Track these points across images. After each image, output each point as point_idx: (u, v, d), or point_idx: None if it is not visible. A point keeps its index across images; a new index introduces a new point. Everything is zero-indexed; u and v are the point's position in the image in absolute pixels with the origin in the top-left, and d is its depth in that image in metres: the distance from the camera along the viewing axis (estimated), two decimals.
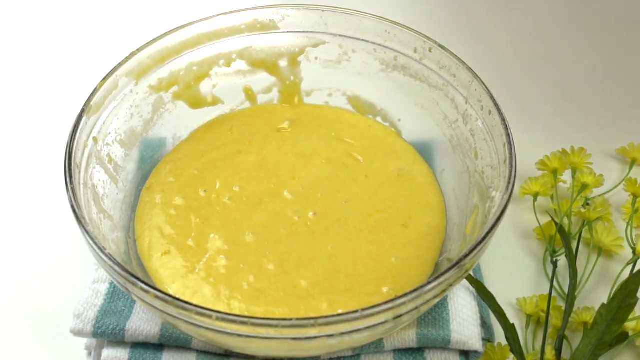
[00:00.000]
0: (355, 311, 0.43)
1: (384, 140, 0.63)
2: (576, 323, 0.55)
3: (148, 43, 0.59)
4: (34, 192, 0.66)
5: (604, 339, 0.50)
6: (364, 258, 0.55)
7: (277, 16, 0.62)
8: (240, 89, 0.65)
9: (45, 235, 0.63)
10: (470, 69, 0.57)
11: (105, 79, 0.57)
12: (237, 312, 0.51)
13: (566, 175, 0.64)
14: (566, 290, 0.56)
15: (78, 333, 0.53)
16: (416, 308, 0.46)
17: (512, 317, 0.55)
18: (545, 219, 0.62)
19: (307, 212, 0.57)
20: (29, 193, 0.66)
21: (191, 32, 0.61)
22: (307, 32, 0.63)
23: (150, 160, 0.61)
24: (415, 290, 0.45)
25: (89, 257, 0.53)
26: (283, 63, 0.64)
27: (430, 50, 0.59)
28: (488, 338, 0.55)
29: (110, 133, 0.57)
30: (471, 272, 0.54)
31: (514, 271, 0.60)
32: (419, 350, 0.53)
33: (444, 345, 0.52)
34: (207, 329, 0.45)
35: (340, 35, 0.62)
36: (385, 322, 0.45)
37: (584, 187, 0.62)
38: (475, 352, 0.53)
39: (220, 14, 0.62)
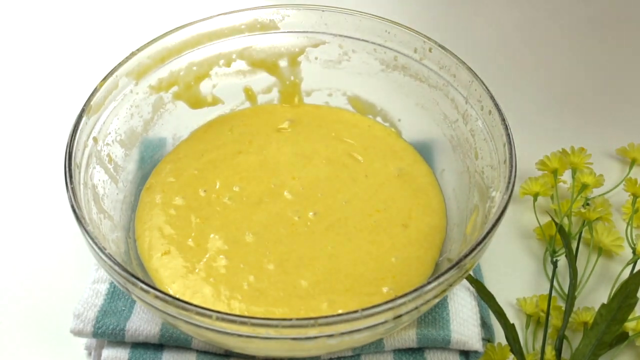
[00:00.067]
0: (355, 311, 0.43)
1: (384, 140, 0.63)
2: (576, 323, 0.55)
3: (148, 43, 0.59)
4: (34, 192, 0.66)
5: (604, 339, 0.50)
6: (364, 258, 0.55)
7: (277, 16, 0.62)
8: (240, 89, 0.65)
9: (45, 235, 0.63)
10: (470, 69, 0.57)
11: (105, 79, 0.57)
12: (237, 312, 0.51)
13: (566, 175, 0.64)
14: (566, 290, 0.56)
15: (78, 333, 0.53)
16: (416, 308, 0.46)
17: (512, 317, 0.55)
18: (545, 219, 0.62)
19: (307, 212, 0.57)
20: (29, 193, 0.66)
21: (191, 32, 0.61)
22: (307, 32, 0.63)
23: (150, 160, 0.61)
24: (415, 290, 0.45)
25: (89, 257, 0.53)
26: (283, 63, 0.64)
27: (430, 50, 0.59)
28: (488, 338, 0.55)
29: (110, 133, 0.57)
30: (471, 272, 0.54)
31: (514, 271, 0.60)
32: (419, 350, 0.53)
33: (444, 345, 0.52)
34: (207, 329, 0.45)
35: (340, 35, 0.62)
36: (385, 322, 0.45)
37: (584, 187, 0.62)
38: (475, 352, 0.53)
39: (220, 14, 0.62)
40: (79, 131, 0.53)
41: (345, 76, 0.64)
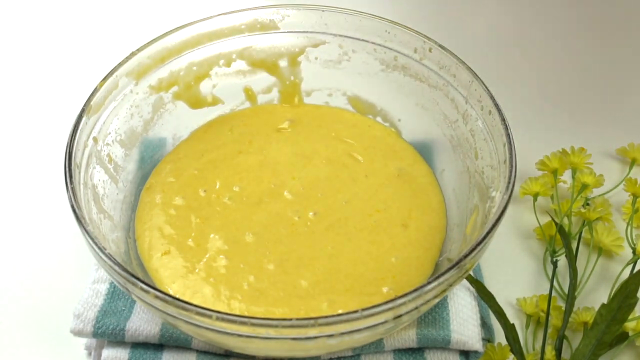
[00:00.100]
0: (355, 311, 0.43)
1: (384, 140, 0.63)
2: (576, 323, 0.55)
3: (148, 43, 0.59)
4: (34, 192, 0.66)
5: (604, 339, 0.50)
6: (364, 258, 0.55)
7: (277, 16, 0.62)
8: (240, 89, 0.65)
9: (45, 235, 0.63)
10: (470, 69, 0.57)
11: (105, 79, 0.57)
12: (237, 312, 0.51)
13: (566, 175, 0.64)
14: (566, 290, 0.56)
15: (78, 333, 0.53)
16: (416, 308, 0.46)
17: (512, 317, 0.55)
18: (545, 219, 0.62)
19: (307, 212, 0.57)
20: (29, 193, 0.66)
21: (191, 32, 0.61)
22: (307, 32, 0.63)
23: (150, 160, 0.61)
24: (415, 290, 0.45)
25: (89, 257, 0.53)
26: (283, 63, 0.64)
27: (430, 50, 0.59)
28: (488, 338, 0.55)
29: (110, 133, 0.57)
30: (471, 272, 0.54)
31: (514, 271, 0.60)
32: (419, 350, 0.53)
33: (444, 345, 0.52)
34: (207, 329, 0.45)
35: (340, 35, 0.62)
36: (385, 322, 0.45)
37: (584, 187, 0.62)
38: (475, 352, 0.53)
39: (220, 14, 0.62)
40: (79, 131, 0.53)
41: (345, 76, 0.64)
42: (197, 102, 0.64)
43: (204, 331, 0.45)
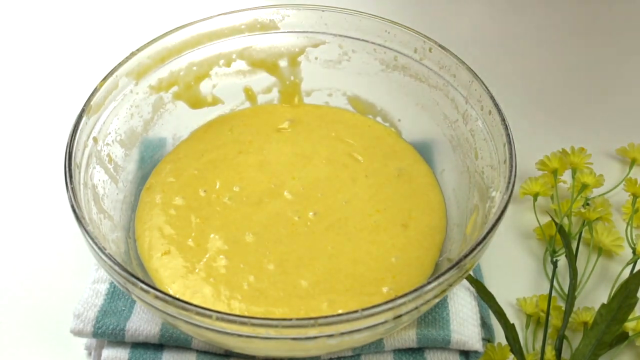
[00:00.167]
0: (355, 311, 0.43)
1: (384, 140, 0.63)
2: (576, 323, 0.55)
3: (148, 43, 0.59)
4: (34, 192, 0.66)
5: (604, 339, 0.50)
6: (364, 258, 0.55)
7: (277, 16, 0.62)
8: (240, 89, 0.65)
9: (45, 235, 0.63)
10: (470, 69, 0.57)
11: (105, 79, 0.57)
12: (237, 312, 0.51)
13: (566, 175, 0.64)
14: (566, 290, 0.56)
15: (78, 333, 0.53)
16: (416, 308, 0.46)
17: (512, 317, 0.55)
18: (545, 219, 0.62)
19: (307, 212, 0.57)
20: (29, 193, 0.66)
21: (191, 32, 0.61)
22: (307, 32, 0.63)
23: (150, 160, 0.61)
24: (415, 290, 0.45)
25: (89, 257, 0.53)
26: (283, 63, 0.64)
27: (430, 50, 0.59)
28: (488, 338, 0.55)
29: (110, 133, 0.57)
30: (471, 272, 0.54)
31: (514, 271, 0.60)
32: (419, 350, 0.53)
33: (444, 345, 0.52)
34: (207, 329, 0.45)
35: (340, 35, 0.62)
36: (385, 322, 0.45)
37: (584, 187, 0.62)
38: (475, 352, 0.53)
39: (220, 14, 0.62)
40: (79, 131, 0.53)
41: (345, 76, 0.64)
42: (197, 102, 0.64)
43: (204, 331, 0.45)
